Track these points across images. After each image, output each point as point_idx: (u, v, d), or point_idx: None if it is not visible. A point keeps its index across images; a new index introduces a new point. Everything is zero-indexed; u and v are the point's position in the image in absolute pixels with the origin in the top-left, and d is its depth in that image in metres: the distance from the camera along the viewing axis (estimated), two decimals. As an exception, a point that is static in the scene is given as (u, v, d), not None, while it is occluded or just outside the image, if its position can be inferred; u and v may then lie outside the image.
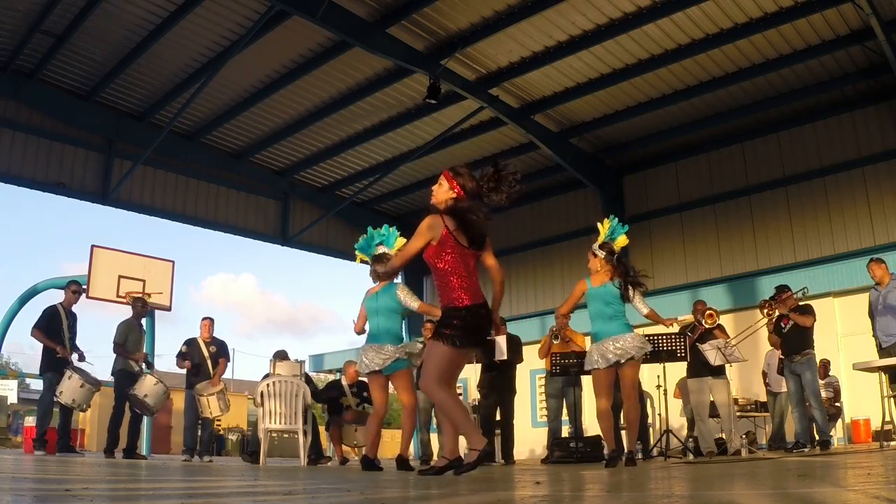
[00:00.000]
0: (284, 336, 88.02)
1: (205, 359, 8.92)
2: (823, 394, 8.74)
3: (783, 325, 8.02)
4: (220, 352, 9.15)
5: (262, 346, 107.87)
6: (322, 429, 9.68)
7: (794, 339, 7.89)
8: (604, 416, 5.57)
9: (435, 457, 9.35)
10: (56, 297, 9.06)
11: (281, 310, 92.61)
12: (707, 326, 8.15)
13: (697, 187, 13.98)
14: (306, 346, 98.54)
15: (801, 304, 8.10)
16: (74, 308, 8.62)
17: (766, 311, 8.33)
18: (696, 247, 13.91)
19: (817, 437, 7.85)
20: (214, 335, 9.19)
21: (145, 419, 9.73)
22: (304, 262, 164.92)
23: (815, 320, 7.86)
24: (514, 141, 13.87)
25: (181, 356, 8.98)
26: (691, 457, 8.13)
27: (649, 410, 9.36)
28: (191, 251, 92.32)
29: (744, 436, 8.44)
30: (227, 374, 9.55)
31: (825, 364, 9.45)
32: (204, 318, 9.21)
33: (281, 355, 8.77)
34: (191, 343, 9.05)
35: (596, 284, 5.68)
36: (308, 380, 8.65)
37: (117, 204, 13.67)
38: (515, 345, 8.62)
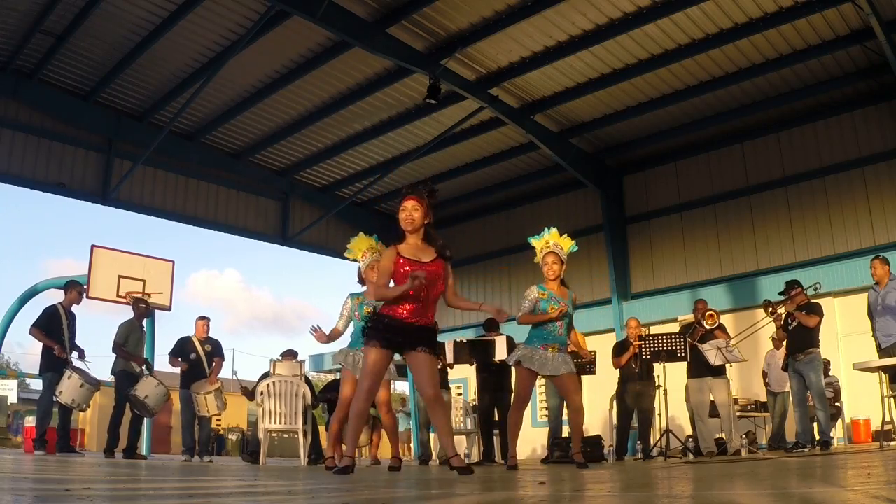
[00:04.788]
0: (272, 333, 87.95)
1: (201, 358, 8.91)
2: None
3: (790, 322, 8.00)
4: (216, 351, 9.12)
5: (251, 344, 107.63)
6: (322, 429, 9.67)
7: (798, 336, 7.85)
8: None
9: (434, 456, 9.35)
10: (56, 296, 9.06)
11: (266, 306, 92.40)
12: (707, 328, 8.16)
13: (697, 187, 13.97)
14: (294, 344, 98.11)
15: (810, 301, 8.06)
16: (73, 308, 8.62)
17: (769, 311, 8.31)
18: (696, 247, 13.89)
19: (818, 437, 7.85)
20: (209, 335, 9.17)
21: (145, 419, 9.73)
22: (291, 257, 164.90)
23: (820, 320, 7.82)
24: (514, 141, 13.86)
25: (174, 355, 8.95)
26: (691, 457, 8.13)
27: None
28: (180, 248, 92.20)
29: (744, 436, 8.44)
30: (227, 375, 9.54)
31: (825, 364, 9.44)
32: (199, 318, 9.17)
33: (289, 355, 8.81)
34: (185, 342, 9.01)
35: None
36: (307, 381, 8.65)
37: (117, 204, 13.64)
38: (513, 346, 8.61)
